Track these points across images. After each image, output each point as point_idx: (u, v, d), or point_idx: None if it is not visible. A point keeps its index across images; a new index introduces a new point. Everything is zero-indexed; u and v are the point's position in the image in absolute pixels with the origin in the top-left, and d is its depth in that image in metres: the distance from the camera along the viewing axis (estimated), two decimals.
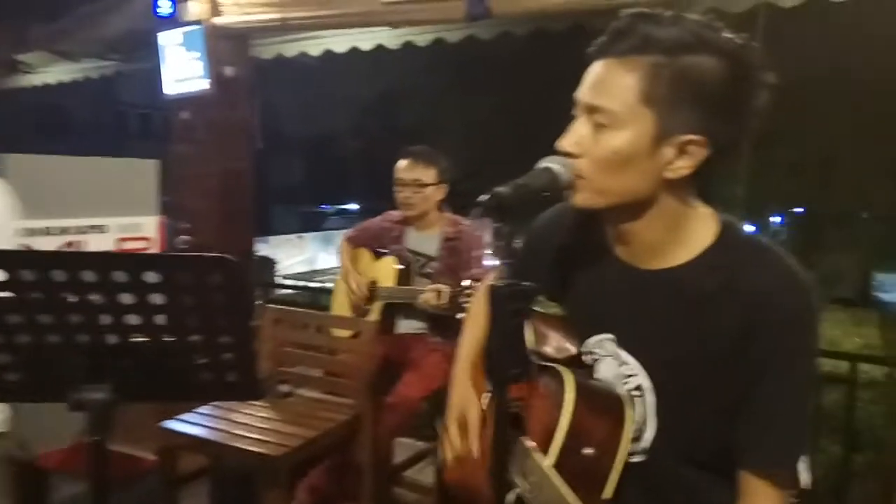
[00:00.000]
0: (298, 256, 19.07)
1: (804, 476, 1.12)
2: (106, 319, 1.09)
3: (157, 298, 1.07)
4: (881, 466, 3.26)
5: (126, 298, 1.07)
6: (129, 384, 1.13)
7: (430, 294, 2.48)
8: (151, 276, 1.06)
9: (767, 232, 16.47)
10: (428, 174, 2.68)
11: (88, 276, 1.04)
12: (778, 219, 17.83)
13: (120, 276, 1.05)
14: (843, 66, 10.27)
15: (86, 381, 1.10)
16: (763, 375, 0.94)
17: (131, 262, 1.08)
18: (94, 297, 1.06)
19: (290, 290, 8.19)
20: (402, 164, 2.72)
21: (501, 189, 0.88)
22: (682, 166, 0.94)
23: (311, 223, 23.61)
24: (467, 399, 1.25)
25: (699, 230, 1.01)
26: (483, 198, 0.87)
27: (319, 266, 18.48)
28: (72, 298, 1.06)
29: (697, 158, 0.94)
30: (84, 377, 1.10)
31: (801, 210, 16.08)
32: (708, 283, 0.97)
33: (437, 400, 2.66)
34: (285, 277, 15.30)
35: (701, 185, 1.00)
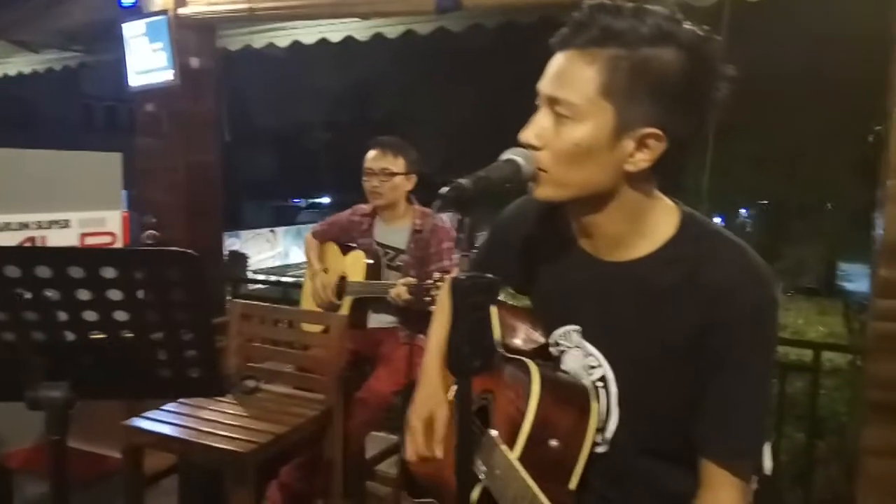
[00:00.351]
0: (270, 251, 18.92)
1: (766, 462, 1.14)
2: (63, 316, 1.07)
3: (115, 294, 1.05)
4: (843, 451, 3.35)
5: (83, 294, 1.04)
6: (89, 382, 1.11)
7: (401, 288, 2.47)
8: (109, 272, 1.04)
9: (734, 223, 16.74)
10: (397, 164, 2.68)
11: (43, 271, 1.02)
12: (744, 211, 18.13)
13: (76, 271, 1.03)
14: (809, 60, 10.44)
15: (43, 380, 1.08)
16: (723, 367, 0.95)
17: (88, 257, 1.05)
18: (51, 294, 1.04)
19: (261, 286, 8.11)
20: (372, 153, 2.71)
21: (462, 181, 0.88)
22: (642, 159, 0.95)
23: (283, 217, 23.41)
24: (435, 397, 1.24)
25: (661, 222, 1.01)
26: (444, 190, 0.86)
27: (292, 260, 18.36)
28: (27, 295, 1.04)
29: (657, 151, 0.94)
30: (42, 375, 1.08)
31: (767, 202, 16.36)
32: (668, 276, 0.98)
33: (409, 394, 2.66)
34: (257, 272, 15.17)
35: (662, 177, 1.01)
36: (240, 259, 14.06)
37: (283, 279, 9.68)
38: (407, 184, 2.72)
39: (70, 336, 1.09)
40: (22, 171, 2.69)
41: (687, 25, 0.92)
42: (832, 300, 11.08)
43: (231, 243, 15.83)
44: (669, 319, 0.98)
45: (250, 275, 13.18)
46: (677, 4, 2.91)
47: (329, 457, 2.35)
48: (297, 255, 17.80)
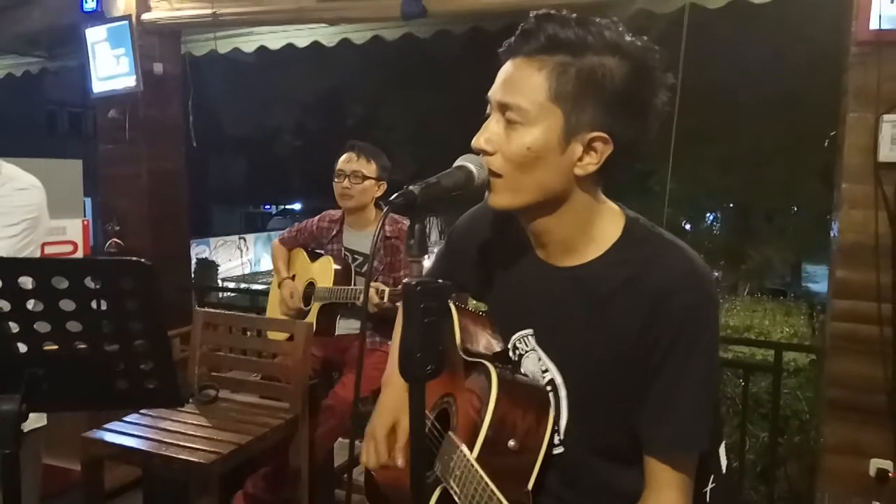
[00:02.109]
0: (241, 258, 18.71)
1: (722, 460, 1.16)
2: (14, 327, 1.05)
3: (68, 305, 1.04)
4: (806, 449, 3.41)
5: (35, 305, 1.03)
6: (42, 394, 1.09)
7: (371, 292, 2.46)
8: (61, 282, 1.02)
9: (702, 226, 17.00)
10: (369, 168, 2.69)
11: None
12: (711, 214, 18.43)
13: (26, 281, 1.01)
14: (773, 65, 10.67)
15: None
16: (663, 366, 0.97)
17: (37, 267, 1.04)
18: (1, 305, 1.02)
19: (230, 293, 8.02)
20: (345, 156, 2.73)
21: (413, 187, 0.89)
22: (590, 162, 0.97)
23: (253, 224, 23.19)
24: (399, 407, 1.24)
25: (607, 227, 1.04)
26: (394, 196, 0.87)
27: (263, 268, 18.17)
28: None
29: (603, 155, 0.97)
30: None
31: (733, 205, 16.63)
32: (612, 280, 1.00)
33: (377, 400, 2.65)
34: (227, 280, 14.98)
35: (608, 180, 1.03)
36: (209, 267, 13.86)
37: (253, 287, 9.58)
38: (377, 189, 2.72)
39: (22, 347, 1.07)
40: None
41: (629, 37, 0.96)
42: (797, 301, 11.29)
43: (200, 251, 15.63)
44: (614, 323, 0.99)
45: (220, 283, 13.03)
46: (641, 11, 2.98)
47: (295, 465, 2.33)
48: (267, 263, 17.62)
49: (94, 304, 1.04)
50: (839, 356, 2.40)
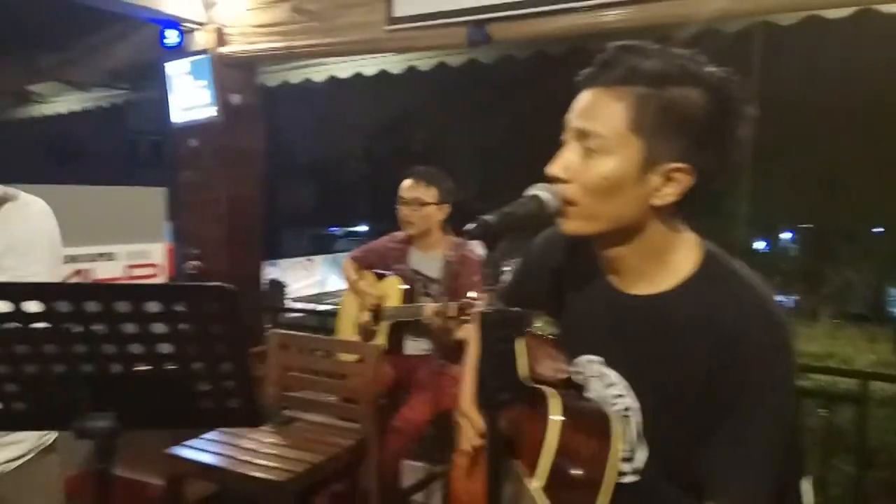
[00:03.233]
0: (308, 279, 19.13)
1: (807, 496, 1.12)
2: (109, 349, 1.11)
3: (158, 328, 1.09)
4: None
5: (129, 328, 1.09)
6: (133, 412, 1.15)
7: (431, 309, 2.48)
8: (152, 306, 1.08)
9: (777, 248, 16.36)
10: (429, 194, 2.72)
11: (92, 306, 1.06)
12: (788, 235, 17.73)
13: (122, 306, 1.07)
14: (849, 81, 10.27)
15: (90, 410, 1.12)
16: (733, 409, 0.94)
17: (133, 292, 1.10)
18: (98, 328, 1.08)
19: (299, 314, 8.20)
20: (406, 182, 2.76)
21: (487, 217, 0.90)
22: (669, 193, 0.97)
23: (320, 246, 23.71)
24: (477, 426, 1.25)
25: (683, 258, 1.02)
26: (469, 226, 0.89)
27: (329, 288, 18.51)
28: (76, 329, 1.08)
29: (683, 186, 0.96)
30: (88, 406, 1.12)
31: (811, 225, 15.97)
32: (685, 314, 0.98)
33: (443, 422, 2.66)
34: (295, 300, 15.34)
35: (688, 211, 1.02)
36: (279, 287, 14.25)
37: (320, 307, 9.78)
38: (439, 213, 2.75)
39: (116, 368, 1.13)
40: (71, 206, 2.80)
41: (710, 67, 0.95)
42: (882, 327, 10.69)
43: (270, 272, 16.07)
44: (684, 356, 0.98)
45: (289, 303, 13.35)
46: (708, 31, 2.93)
47: (365, 486, 2.37)
48: (334, 283, 17.96)
49: (182, 328, 1.10)
50: None
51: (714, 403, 0.95)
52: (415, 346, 2.79)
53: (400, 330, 2.78)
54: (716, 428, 0.95)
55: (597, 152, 0.96)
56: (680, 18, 2.88)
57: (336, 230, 27.33)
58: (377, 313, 2.82)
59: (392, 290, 2.80)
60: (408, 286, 2.77)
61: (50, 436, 1.62)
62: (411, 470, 2.79)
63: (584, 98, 0.99)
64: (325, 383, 2.62)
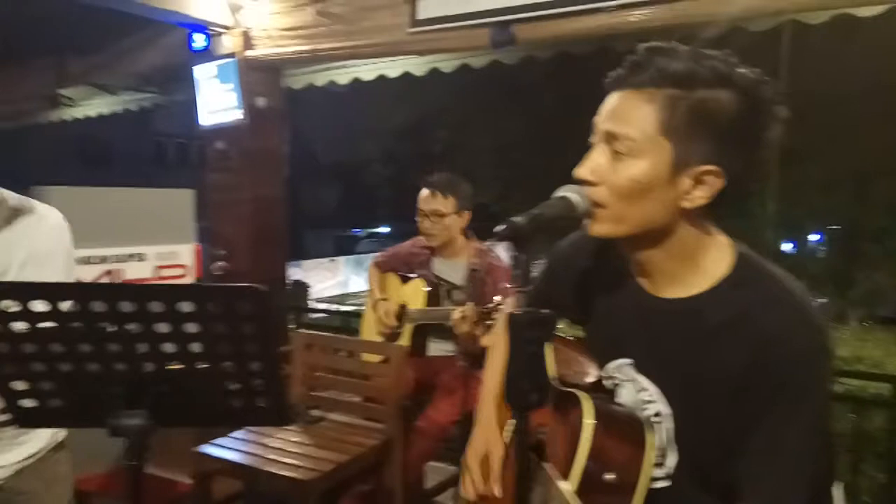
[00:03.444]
0: (331, 280, 19.25)
1: (838, 502, 1.10)
2: (143, 348, 1.13)
3: (190, 327, 1.11)
4: None
5: (161, 327, 1.11)
6: (165, 410, 1.17)
7: (459, 313, 2.48)
8: (185, 306, 1.10)
9: (805, 249, 16.12)
10: (447, 204, 2.69)
11: (126, 306, 1.08)
12: (816, 236, 17.44)
13: (156, 306, 1.09)
14: (878, 79, 10.08)
15: (124, 408, 1.14)
16: (767, 413, 0.93)
17: (166, 292, 1.11)
18: (132, 327, 1.11)
19: (322, 314, 8.26)
20: (423, 194, 2.74)
21: (516, 219, 0.90)
22: (699, 196, 0.96)
23: (343, 247, 23.87)
24: (491, 437, 1.26)
25: (716, 260, 1.01)
26: (499, 228, 0.89)
27: (352, 289, 18.62)
28: (110, 328, 1.11)
29: (714, 188, 0.95)
30: (122, 404, 1.14)
31: (839, 227, 15.70)
32: (718, 317, 0.97)
33: (468, 424, 2.67)
34: (318, 301, 15.45)
35: (718, 213, 1.01)
36: (302, 288, 14.37)
37: (344, 308, 9.84)
38: (460, 221, 2.73)
39: (149, 367, 1.15)
40: (102, 207, 2.87)
41: (742, 69, 0.94)
42: None
43: (294, 272, 16.20)
44: (718, 360, 0.96)
45: (312, 303, 13.46)
46: (735, 29, 2.90)
47: (389, 486, 2.38)
48: (356, 284, 18.07)
49: (214, 327, 1.12)
50: None
51: (748, 407, 0.94)
52: (438, 348, 2.80)
53: (423, 332, 2.78)
54: (749, 432, 0.94)
55: (626, 155, 0.95)
56: (706, 17, 2.85)
57: (358, 231, 27.47)
58: (401, 315, 2.84)
59: (416, 292, 2.81)
60: (431, 289, 2.77)
61: (61, 433, 1.66)
62: (434, 471, 2.80)
63: (613, 100, 0.98)
64: (349, 383, 2.64)
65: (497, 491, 1.19)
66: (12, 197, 1.56)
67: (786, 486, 0.93)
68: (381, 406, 2.48)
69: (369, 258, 3.20)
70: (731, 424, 0.96)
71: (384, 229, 26.50)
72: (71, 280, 1.64)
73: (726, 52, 0.96)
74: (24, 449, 1.57)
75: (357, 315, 3.88)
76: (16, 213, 1.54)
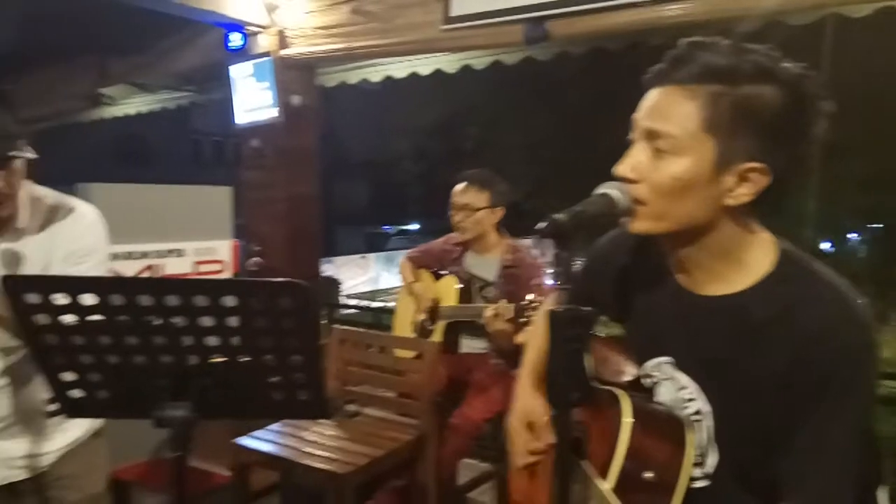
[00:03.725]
0: (362, 276, 19.37)
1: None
2: (188, 341, 1.16)
3: (233, 321, 1.14)
4: None
5: (206, 321, 1.13)
6: (208, 402, 1.20)
7: (491, 311, 2.48)
8: (229, 301, 1.12)
9: (844, 248, 15.74)
10: (480, 198, 2.70)
11: (172, 300, 1.11)
12: (854, 235, 17.02)
13: (201, 300, 1.12)
14: None
15: (169, 400, 1.17)
16: (812, 410, 0.92)
17: (211, 287, 1.14)
18: (177, 321, 1.13)
19: (353, 310, 8.33)
20: (458, 187, 2.75)
21: (558, 216, 0.90)
22: (743, 193, 0.94)
23: (373, 244, 24.02)
24: (532, 403, 1.25)
25: (758, 257, 0.99)
26: (541, 225, 0.89)
27: (382, 286, 18.71)
28: (157, 321, 1.14)
29: (758, 185, 0.94)
30: (167, 395, 1.17)
31: (880, 225, 15.29)
32: (762, 314, 0.96)
33: (501, 422, 2.67)
34: (349, 297, 15.57)
35: (762, 210, 0.99)
36: (333, 284, 14.47)
37: (375, 304, 9.90)
38: (492, 217, 2.73)
39: (193, 359, 1.18)
40: (143, 204, 2.93)
41: (785, 63, 0.93)
42: None
43: (325, 268, 16.33)
44: (762, 356, 0.95)
45: (343, 299, 13.56)
46: (775, 24, 2.85)
47: (423, 482, 2.39)
48: (386, 281, 18.14)
49: (256, 321, 1.14)
50: None
51: (792, 404, 0.93)
52: (471, 345, 2.80)
53: (456, 329, 2.79)
54: (793, 430, 0.93)
55: (668, 152, 0.94)
56: (743, 12, 2.81)
57: (388, 228, 27.60)
58: (433, 313, 2.85)
59: (448, 289, 2.82)
60: (463, 285, 2.78)
61: (99, 421, 1.71)
62: (466, 468, 2.81)
63: (654, 96, 0.97)
64: (383, 379, 2.66)
65: (543, 443, 1.19)
66: (50, 195, 1.61)
67: (832, 485, 0.92)
68: (414, 402, 2.49)
69: (399, 255, 3.21)
70: (775, 422, 0.95)
71: (414, 226, 26.59)
72: (106, 275, 1.69)
73: (769, 46, 0.94)
74: (66, 435, 1.63)
75: (388, 311, 3.90)
76: (54, 211, 1.59)
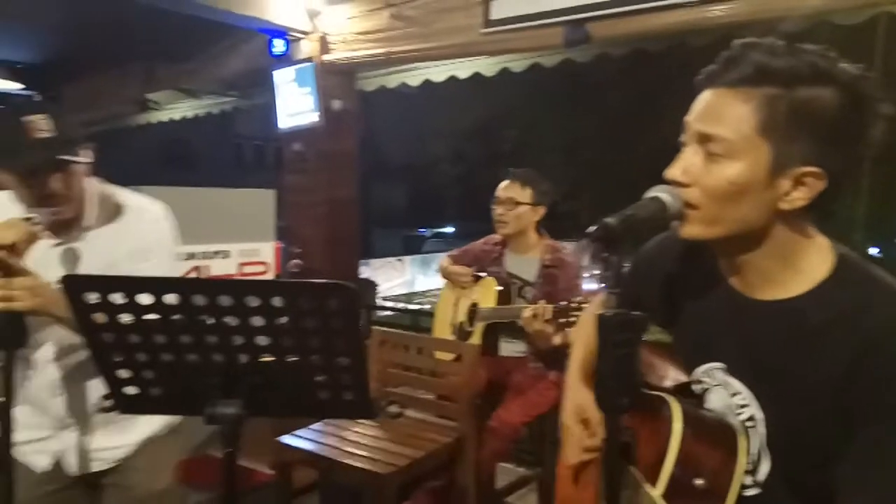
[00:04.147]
0: (398, 279, 19.46)
1: None
2: (238, 340, 1.18)
3: (282, 322, 1.16)
4: None
5: (256, 321, 1.16)
6: (257, 400, 1.22)
7: (530, 311, 2.46)
8: (279, 301, 1.15)
9: (892, 254, 15.23)
10: (523, 194, 2.72)
11: (225, 300, 1.14)
12: None
13: (252, 300, 1.15)
14: None
15: (220, 397, 1.20)
16: (869, 420, 0.89)
17: (262, 288, 1.17)
18: (229, 320, 1.16)
19: (390, 312, 8.38)
20: (503, 183, 2.79)
21: (609, 219, 0.89)
22: (799, 197, 0.92)
23: (410, 246, 24.12)
24: (587, 399, 1.24)
25: (814, 262, 0.97)
26: (591, 229, 0.88)
27: (418, 288, 18.77)
28: (209, 321, 1.17)
29: (815, 190, 0.92)
30: (218, 393, 1.20)
31: None
32: (819, 319, 0.94)
33: (539, 426, 2.66)
34: (385, 299, 15.65)
35: (817, 214, 0.97)
36: (370, 286, 14.56)
37: (411, 307, 9.94)
38: (533, 214, 2.75)
39: (244, 358, 1.21)
40: (189, 206, 2.99)
41: (842, 63, 0.90)
42: None
43: (362, 271, 16.42)
44: (818, 362, 0.93)
45: (379, 301, 13.63)
46: (825, 24, 2.78)
47: (462, 484, 2.40)
48: (422, 283, 18.19)
49: (304, 322, 1.17)
50: None
51: (849, 410, 0.91)
52: (510, 348, 2.80)
53: (495, 331, 2.79)
54: (849, 437, 0.91)
55: (721, 156, 0.92)
56: (789, 11, 2.75)
57: (424, 231, 27.69)
58: (472, 314, 2.85)
59: (488, 291, 2.82)
60: (502, 287, 2.78)
61: (177, 418, 1.75)
62: (505, 472, 2.81)
63: (706, 99, 0.95)
64: (422, 381, 2.68)
65: (598, 441, 1.19)
66: (118, 192, 1.66)
67: (889, 496, 0.89)
68: (453, 404, 2.50)
69: (436, 258, 3.22)
70: (831, 428, 0.93)
71: (449, 229, 26.62)
72: (174, 269, 1.73)
73: (824, 46, 0.92)
74: (142, 429, 1.68)
75: (425, 314, 3.92)
76: (122, 208, 1.64)
